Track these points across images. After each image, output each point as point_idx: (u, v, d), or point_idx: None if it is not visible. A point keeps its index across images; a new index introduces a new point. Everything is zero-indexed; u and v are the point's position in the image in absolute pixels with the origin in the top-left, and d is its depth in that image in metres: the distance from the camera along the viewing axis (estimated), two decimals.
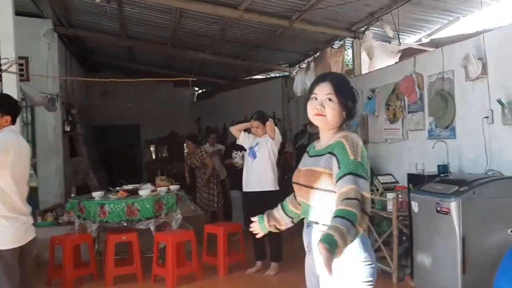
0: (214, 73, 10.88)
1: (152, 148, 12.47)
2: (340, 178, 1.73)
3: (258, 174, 4.73)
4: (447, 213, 3.45)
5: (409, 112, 5.09)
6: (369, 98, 5.94)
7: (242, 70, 10.39)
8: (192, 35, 7.58)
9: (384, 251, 4.64)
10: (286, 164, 7.63)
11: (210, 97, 12.30)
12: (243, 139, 4.96)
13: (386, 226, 4.91)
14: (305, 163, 2.00)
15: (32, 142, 7.36)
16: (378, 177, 5.44)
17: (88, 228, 4.58)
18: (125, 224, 4.63)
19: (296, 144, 8.14)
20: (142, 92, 12.14)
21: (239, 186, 5.27)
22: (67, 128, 7.88)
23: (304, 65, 8.57)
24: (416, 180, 4.21)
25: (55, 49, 7.56)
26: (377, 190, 5.04)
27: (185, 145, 12.58)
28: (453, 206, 3.39)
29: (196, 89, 13.21)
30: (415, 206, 3.89)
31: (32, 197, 7.38)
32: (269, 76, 10.37)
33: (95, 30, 7.91)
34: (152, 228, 4.58)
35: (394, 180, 5.41)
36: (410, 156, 5.19)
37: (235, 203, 6.75)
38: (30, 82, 7.06)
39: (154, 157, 12.39)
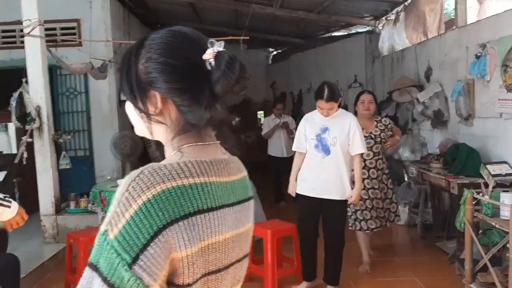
0: (289, 32, 9.60)
1: None
2: None
3: (336, 175, 3.59)
4: None
5: None
6: (477, 57, 4.38)
7: (319, 26, 8.98)
8: None
9: (492, 273, 3.31)
10: None
11: (285, 59, 11.08)
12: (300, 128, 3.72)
13: (496, 235, 3.51)
14: None
15: (87, 112, 6.87)
16: (487, 166, 3.98)
17: None
18: None
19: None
20: None
21: None
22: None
23: (392, 17, 6.99)
24: None
25: (108, 10, 6.87)
26: (486, 186, 3.62)
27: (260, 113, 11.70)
28: None
29: (271, 50, 12.02)
30: None
31: (89, 173, 7.17)
32: (350, 33, 8.85)
33: None
34: None
35: (511, 171, 3.92)
36: None
37: None
38: (83, 47, 6.52)
39: None
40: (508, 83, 3.91)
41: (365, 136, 3.89)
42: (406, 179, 5.81)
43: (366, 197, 4.17)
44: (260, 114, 11.75)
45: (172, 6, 8.68)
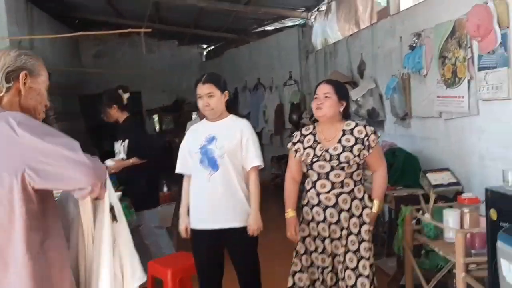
0: (219, 26, 8.86)
1: (155, 119, 10.74)
2: None
3: (229, 195, 2.76)
4: None
5: (480, 69, 2.99)
6: (411, 48, 3.83)
7: (251, 20, 8.30)
8: None
9: None
10: None
11: (219, 55, 10.33)
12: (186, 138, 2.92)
13: (441, 258, 2.93)
14: None
15: None
16: (428, 174, 3.43)
17: None
18: None
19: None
20: (142, 54, 10.40)
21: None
22: None
23: (323, 8, 6.41)
24: (505, 203, 2.19)
25: (2, 3, 5.84)
26: (426, 199, 3.04)
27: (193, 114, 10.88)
28: None
29: (205, 46, 11.22)
30: (506, 268, 1.90)
31: None
32: (284, 26, 8.22)
33: None
34: None
35: (454, 180, 3.38)
36: (482, 142, 3.12)
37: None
38: None
39: (157, 129, 10.68)
40: (446, 78, 3.36)
41: (316, 156, 2.60)
42: None
43: (313, 248, 2.73)
44: (195, 114, 10.95)
45: (87, 1, 7.73)
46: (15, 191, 1.34)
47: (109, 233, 1.57)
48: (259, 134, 8.76)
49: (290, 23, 7.99)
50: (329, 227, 2.66)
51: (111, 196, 1.59)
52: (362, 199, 2.66)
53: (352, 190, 2.64)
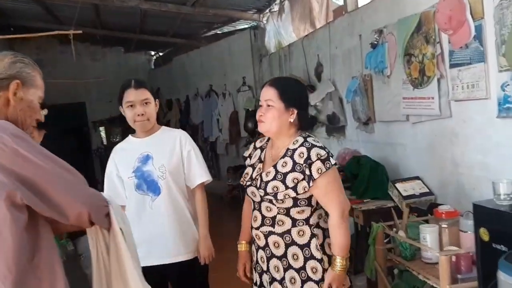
0: (166, 30, 8.36)
1: (102, 131, 10.05)
2: None
3: (176, 223, 2.31)
4: None
5: (452, 66, 2.69)
6: (373, 46, 3.51)
7: (200, 23, 7.85)
8: None
9: None
10: None
11: (168, 62, 9.81)
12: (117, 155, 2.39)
13: (416, 279, 2.58)
14: None
15: None
16: (397, 184, 3.09)
17: None
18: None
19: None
20: (86, 62, 9.76)
21: None
22: None
23: (276, 8, 6.07)
24: (497, 221, 1.85)
25: None
26: (396, 211, 2.70)
27: None
28: None
29: (153, 53, 10.66)
30: None
31: None
32: (235, 29, 7.83)
33: None
34: None
35: (426, 190, 3.05)
36: (456, 147, 2.82)
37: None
38: None
39: (105, 142, 9.99)
40: (413, 77, 3.04)
41: (251, 179, 2.02)
42: None
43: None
44: None
45: (16, 4, 7.02)
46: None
47: (129, 255, 1.48)
48: (213, 144, 8.38)
49: (241, 26, 7.60)
50: (261, 274, 2.04)
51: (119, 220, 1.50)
52: (306, 246, 1.89)
53: (288, 231, 1.90)
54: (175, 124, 9.07)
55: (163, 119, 9.42)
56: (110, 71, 9.85)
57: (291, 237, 1.91)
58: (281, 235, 1.92)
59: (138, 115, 2.23)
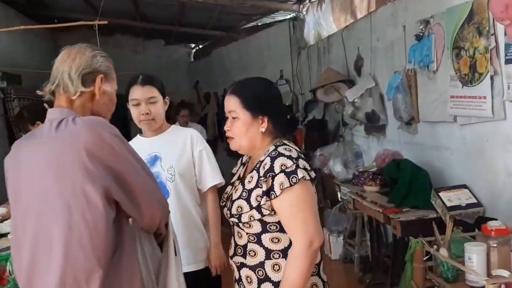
0: (205, 23, 8.23)
1: None
2: None
3: (185, 229, 2.12)
4: None
5: (508, 62, 2.34)
6: (418, 38, 3.18)
7: (238, 15, 7.66)
8: None
9: None
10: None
11: (207, 55, 9.70)
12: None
13: None
14: None
15: None
16: (441, 193, 2.78)
17: None
18: None
19: (305, 118, 5.47)
20: (128, 54, 9.81)
21: None
22: None
23: None
24: None
25: None
26: (439, 224, 2.39)
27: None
28: None
29: (193, 46, 10.58)
30: None
31: None
32: (274, 21, 7.58)
33: None
34: None
35: (474, 201, 2.73)
36: (510, 155, 2.47)
37: None
38: None
39: None
40: (463, 73, 2.70)
41: (226, 199, 1.71)
42: (339, 198, 4.57)
43: None
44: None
45: None
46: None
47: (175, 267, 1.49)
48: None
49: (280, 17, 7.34)
50: None
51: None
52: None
53: (261, 265, 1.55)
54: (212, 117, 8.96)
55: (201, 112, 9.36)
56: (150, 64, 9.87)
57: (265, 271, 1.54)
58: (253, 268, 1.56)
59: (143, 114, 2.09)
